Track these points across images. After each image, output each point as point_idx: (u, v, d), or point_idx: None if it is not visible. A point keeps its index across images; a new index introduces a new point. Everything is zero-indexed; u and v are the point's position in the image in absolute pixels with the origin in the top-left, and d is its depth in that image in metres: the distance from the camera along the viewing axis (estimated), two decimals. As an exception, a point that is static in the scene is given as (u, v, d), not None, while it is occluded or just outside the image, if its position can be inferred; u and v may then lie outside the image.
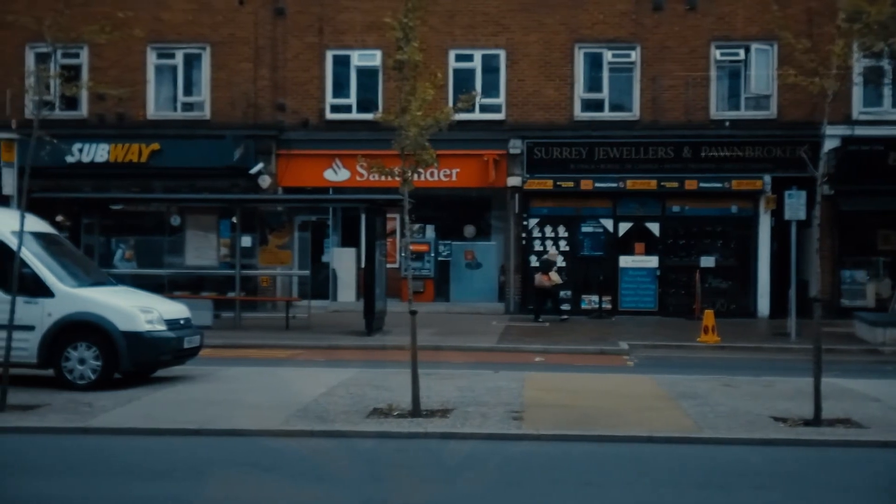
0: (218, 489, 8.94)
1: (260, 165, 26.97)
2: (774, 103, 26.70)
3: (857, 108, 25.90)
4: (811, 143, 22.11)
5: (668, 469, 10.09)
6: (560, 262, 26.19)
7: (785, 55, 22.86)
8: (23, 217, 12.90)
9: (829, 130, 14.39)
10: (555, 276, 25.43)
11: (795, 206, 22.60)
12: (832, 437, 11.43)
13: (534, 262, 27.33)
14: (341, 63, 27.51)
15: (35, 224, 14.78)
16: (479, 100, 24.78)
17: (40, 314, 13.87)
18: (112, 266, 23.49)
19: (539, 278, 25.59)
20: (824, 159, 13.45)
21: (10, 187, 22.47)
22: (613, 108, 27.37)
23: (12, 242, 13.34)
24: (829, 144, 21.70)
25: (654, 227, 27.32)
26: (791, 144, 25.15)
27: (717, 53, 26.90)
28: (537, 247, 27.44)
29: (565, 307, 26.55)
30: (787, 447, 11.09)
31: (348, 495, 8.84)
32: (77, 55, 26.48)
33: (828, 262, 25.11)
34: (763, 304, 26.80)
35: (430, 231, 28.11)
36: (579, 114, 27.22)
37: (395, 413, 12.18)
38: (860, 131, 25.60)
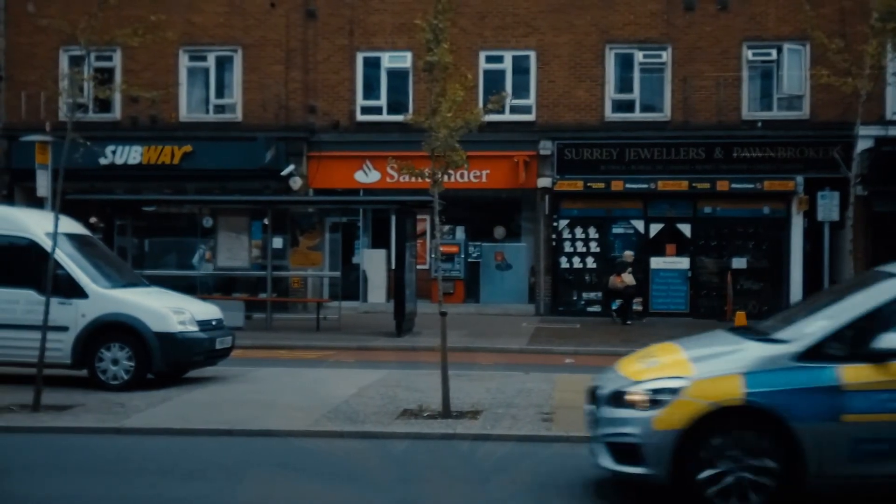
0: (250, 489, 9.00)
1: (291, 167, 27.08)
2: (807, 104, 26.53)
3: (891, 109, 25.64)
4: (844, 144, 21.96)
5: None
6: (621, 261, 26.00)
7: (817, 55, 22.69)
8: (57, 218, 13.02)
9: (863, 131, 14.31)
10: (627, 278, 25.29)
11: (828, 206, 22.47)
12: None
13: (564, 263, 27.33)
14: (372, 65, 27.59)
15: (69, 225, 14.91)
16: (510, 101, 24.79)
17: (74, 315, 13.99)
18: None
19: (612, 280, 25.55)
20: (857, 160, 13.39)
21: (44, 189, 22.64)
22: (644, 108, 27.30)
23: (46, 244, 13.46)
24: (862, 145, 21.47)
25: (686, 229, 27.21)
26: (824, 145, 24.98)
27: (748, 54, 26.76)
28: (567, 248, 27.40)
29: (594, 309, 26.58)
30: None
31: (379, 496, 8.87)
32: (110, 58, 26.70)
33: (861, 264, 24.86)
34: (795, 306, 26.62)
35: (460, 232, 28.14)
36: (610, 115, 27.16)
37: (426, 414, 12.19)
38: (894, 132, 25.37)
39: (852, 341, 8.04)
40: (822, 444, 7.81)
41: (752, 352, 8.30)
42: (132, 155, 27.24)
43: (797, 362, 8.00)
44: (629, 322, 25.13)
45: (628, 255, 26.00)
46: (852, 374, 7.88)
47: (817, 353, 8.02)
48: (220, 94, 28.06)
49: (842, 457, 7.84)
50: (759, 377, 7.96)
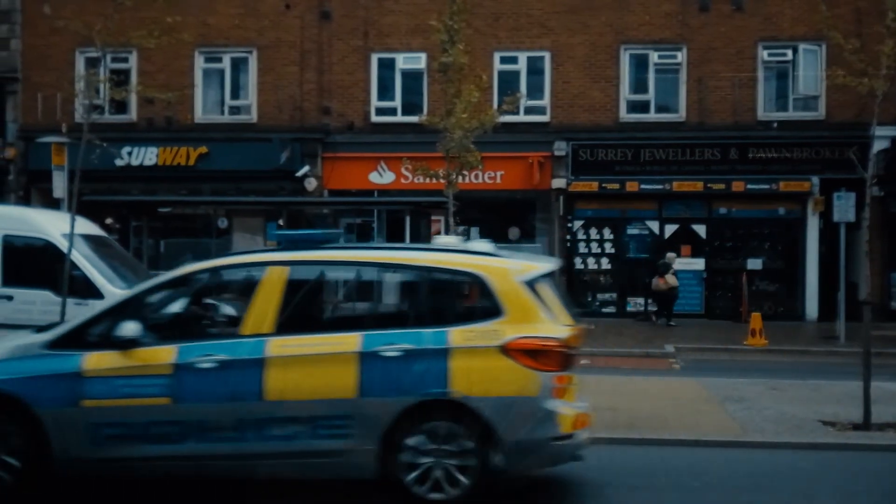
0: (265, 490, 9.00)
1: (306, 168, 27.12)
2: (822, 104, 26.44)
3: (908, 109, 25.55)
4: (860, 145, 21.81)
5: (715, 473, 10.02)
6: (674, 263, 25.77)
7: (833, 55, 22.61)
8: (73, 219, 13.09)
9: (879, 131, 14.18)
10: (671, 279, 25.18)
11: (844, 207, 22.36)
12: (882, 442, 11.30)
13: (578, 264, 27.31)
14: (386, 66, 27.60)
15: (85, 226, 14.99)
16: (524, 102, 24.76)
17: (90, 316, 14.04)
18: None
19: (655, 282, 25.45)
20: (873, 160, 13.32)
21: (60, 190, 22.74)
22: (659, 109, 27.24)
23: (63, 245, 13.53)
24: (878, 146, 21.42)
25: (701, 229, 27.15)
26: (839, 146, 24.88)
27: (764, 54, 26.69)
28: (582, 249, 27.38)
29: (609, 309, 26.62)
30: (835, 451, 10.98)
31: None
32: (126, 59, 26.77)
33: (877, 265, 24.80)
34: (811, 307, 26.52)
35: (474, 233, 28.07)
36: (625, 115, 27.11)
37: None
38: (910, 132, 25.25)
39: (104, 330, 8.37)
40: (65, 429, 8.11)
41: (15, 341, 8.69)
42: (148, 156, 27.32)
43: (48, 350, 8.33)
44: (672, 324, 24.96)
45: (671, 256, 25.78)
46: (95, 361, 8.22)
47: (70, 340, 8.37)
48: (235, 95, 28.11)
49: (84, 441, 8.13)
50: (9, 365, 8.31)
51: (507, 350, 8.00)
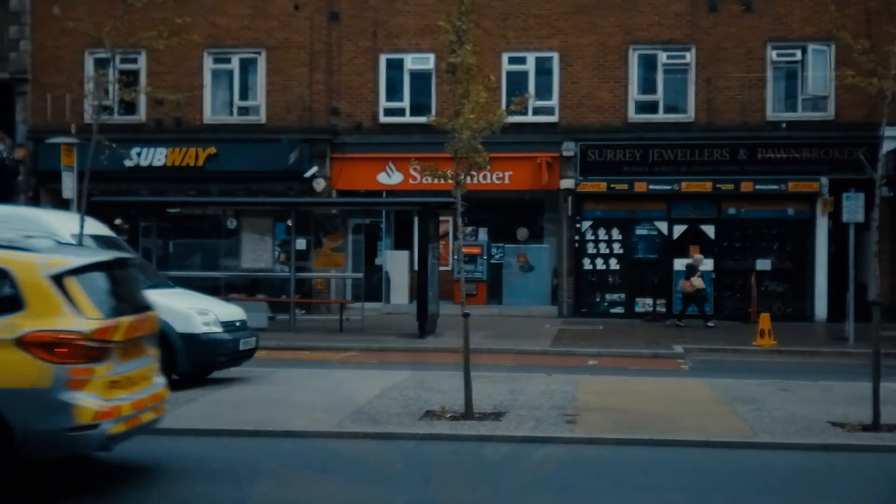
0: (275, 490, 9.03)
1: (314, 169, 27.16)
2: (832, 104, 26.39)
3: (917, 109, 25.44)
4: (869, 145, 21.81)
5: (725, 474, 10.00)
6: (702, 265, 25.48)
7: (842, 56, 22.54)
8: (82, 220, 13.13)
9: (888, 132, 14.11)
10: (697, 281, 24.94)
11: (853, 208, 22.31)
12: (891, 443, 11.26)
13: (587, 264, 27.28)
14: (395, 67, 27.63)
15: (94, 227, 15.01)
16: (533, 102, 24.75)
17: (99, 316, 14.05)
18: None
19: (682, 284, 25.33)
20: (883, 161, 13.28)
21: (69, 191, 22.82)
22: (668, 109, 27.22)
23: (72, 245, 13.55)
24: (887, 146, 21.13)
25: (710, 230, 27.11)
26: (849, 146, 24.84)
27: (773, 54, 26.64)
28: (590, 249, 27.35)
29: (617, 310, 26.63)
30: (844, 453, 10.95)
31: (403, 497, 8.88)
32: (135, 60, 26.82)
33: (886, 265, 24.75)
34: (820, 308, 26.47)
35: (482, 234, 28.13)
36: (633, 116, 27.09)
37: (448, 416, 12.18)
38: (920, 133, 25.15)
39: None
40: None
41: None
42: (157, 157, 27.39)
43: None
44: (680, 324, 24.84)
45: (697, 258, 25.47)
46: None
47: None
48: (243, 96, 28.16)
49: None
50: None
51: (22, 343, 8.14)
